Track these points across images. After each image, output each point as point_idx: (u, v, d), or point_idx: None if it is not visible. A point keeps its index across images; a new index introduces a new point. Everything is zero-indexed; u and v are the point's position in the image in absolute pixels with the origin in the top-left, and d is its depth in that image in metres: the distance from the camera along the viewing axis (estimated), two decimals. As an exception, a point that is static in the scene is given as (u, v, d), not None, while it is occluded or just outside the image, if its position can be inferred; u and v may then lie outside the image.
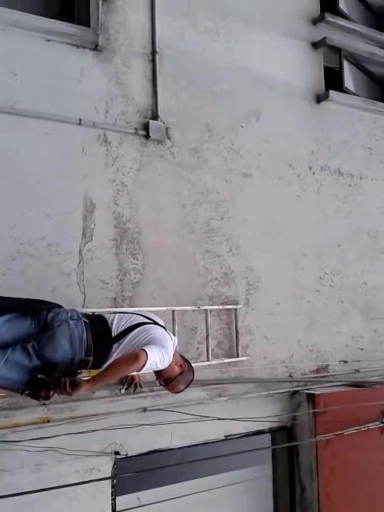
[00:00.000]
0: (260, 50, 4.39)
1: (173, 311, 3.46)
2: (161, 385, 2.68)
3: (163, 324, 2.71)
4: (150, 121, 3.71)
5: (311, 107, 4.67)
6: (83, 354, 2.33)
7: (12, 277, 3.09)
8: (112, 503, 3.40)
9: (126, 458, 3.43)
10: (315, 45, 4.74)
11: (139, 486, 3.58)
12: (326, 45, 4.76)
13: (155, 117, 3.76)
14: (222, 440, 3.83)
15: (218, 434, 3.81)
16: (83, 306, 3.28)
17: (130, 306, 3.48)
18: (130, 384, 3.34)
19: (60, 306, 2.48)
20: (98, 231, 3.46)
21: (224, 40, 4.22)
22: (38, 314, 2.38)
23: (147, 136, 3.69)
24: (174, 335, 3.28)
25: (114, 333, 2.45)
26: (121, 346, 2.43)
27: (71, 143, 3.41)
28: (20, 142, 3.23)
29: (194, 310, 3.71)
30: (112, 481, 3.37)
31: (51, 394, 2.23)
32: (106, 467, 3.35)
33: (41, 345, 2.24)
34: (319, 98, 4.67)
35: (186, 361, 2.72)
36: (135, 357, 2.30)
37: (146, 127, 3.69)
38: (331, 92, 4.66)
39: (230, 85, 4.19)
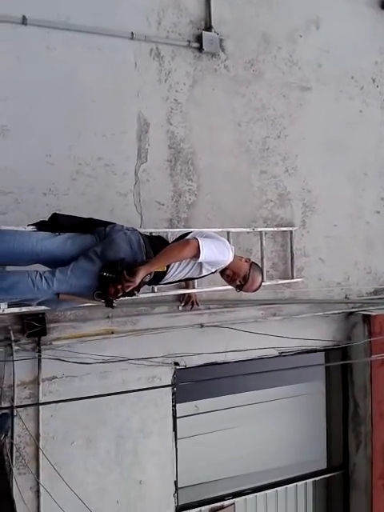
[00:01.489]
0: None
1: (227, 233, 3.45)
2: (239, 288, 2.67)
3: None
4: (204, 32, 3.53)
5: (376, 14, 4.27)
6: (144, 256, 2.41)
7: (73, 197, 3.18)
8: (173, 409, 3.65)
9: (185, 368, 3.63)
10: None
11: (197, 395, 3.81)
12: None
13: (209, 28, 3.57)
14: (276, 356, 3.94)
15: (272, 351, 3.92)
16: (140, 227, 3.34)
17: (185, 228, 3.52)
18: (187, 301, 3.49)
19: (116, 224, 2.58)
20: (152, 152, 3.44)
21: None
22: (97, 229, 2.49)
23: (200, 49, 3.53)
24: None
25: (170, 240, 2.56)
26: None
27: (124, 58, 3.33)
28: (74, 58, 3.19)
29: (248, 232, 3.70)
30: (172, 389, 3.60)
31: (119, 287, 2.30)
32: (166, 376, 3.58)
33: (102, 249, 2.35)
34: (386, 3, 4.25)
35: (248, 257, 2.75)
36: (186, 242, 2.41)
37: (199, 39, 3.52)
38: (400, -5, 4.22)
39: (288, -11, 3.87)
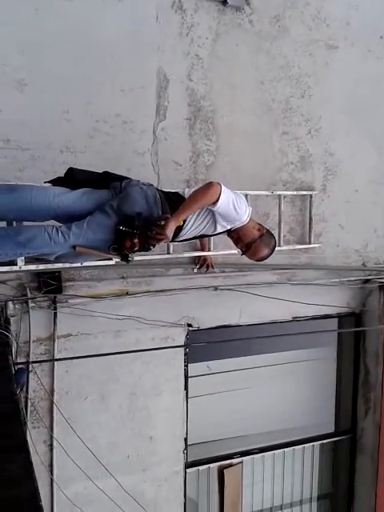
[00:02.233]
0: None
1: (246, 195, 3.36)
2: (243, 253, 2.61)
3: None
4: (229, -16, 3.36)
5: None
6: (160, 211, 2.37)
7: (90, 155, 3.12)
8: (185, 369, 3.70)
9: (198, 330, 3.66)
10: None
11: (209, 355, 3.86)
12: None
13: (234, -21, 3.40)
14: (290, 321, 3.95)
15: (286, 315, 3.93)
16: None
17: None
18: (203, 264, 3.47)
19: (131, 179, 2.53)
20: (171, 109, 3.34)
21: None
22: (113, 184, 2.46)
23: (225, 2, 3.35)
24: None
25: (186, 195, 2.48)
26: None
27: (145, 11, 3.18)
28: (93, 11, 3.05)
29: (267, 196, 3.63)
30: (185, 349, 3.64)
31: (135, 241, 2.29)
32: (179, 337, 3.61)
33: (118, 203, 2.32)
34: None
35: (265, 228, 2.65)
36: (209, 184, 2.35)
37: (223, -9, 3.36)
38: None
39: None
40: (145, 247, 2.35)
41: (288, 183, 3.78)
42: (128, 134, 3.25)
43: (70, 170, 2.48)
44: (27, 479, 1.53)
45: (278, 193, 3.61)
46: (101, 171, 2.58)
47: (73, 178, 2.43)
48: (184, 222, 2.44)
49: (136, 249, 2.31)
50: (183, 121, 3.41)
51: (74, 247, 2.32)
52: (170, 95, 3.32)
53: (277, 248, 3.51)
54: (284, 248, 3.65)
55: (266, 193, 3.57)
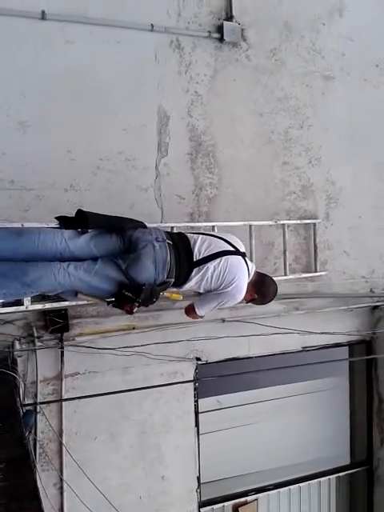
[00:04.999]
0: None
1: (249, 226, 3.40)
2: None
3: (244, 249, 2.64)
4: (224, 22, 3.46)
5: (401, 0, 4.13)
6: (165, 276, 2.37)
7: (94, 192, 3.16)
8: (195, 404, 3.64)
9: (207, 363, 3.60)
10: None
11: (219, 390, 3.79)
12: None
13: (230, 17, 3.49)
14: (300, 351, 3.89)
15: (296, 345, 3.88)
16: (161, 222, 3.31)
17: (206, 222, 3.47)
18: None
19: (144, 226, 2.48)
20: (173, 145, 3.40)
21: None
22: (123, 232, 2.41)
23: (221, 39, 3.46)
24: (251, 251, 3.28)
25: (196, 256, 2.44)
26: (201, 272, 2.44)
27: (144, 51, 3.28)
28: (93, 52, 3.16)
29: (270, 225, 3.64)
30: (194, 384, 3.59)
31: (135, 310, 2.38)
32: (188, 371, 3.56)
33: (127, 264, 2.30)
34: (412, -13, 4.10)
35: (263, 278, 2.68)
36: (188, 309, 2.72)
37: (219, 29, 3.45)
38: None
39: (310, -25, 3.77)
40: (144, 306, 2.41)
41: (291, 212, 3.79)
42: (131, 170, 3.29)
43: (81, 212, 2.45)
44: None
45: (282, 222, 3.62)
46: (106, 211, 2.51)
47: (83, 221, 2.38)
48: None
49: (134, 312, 2.38)
50: (185, 156, 3.45)
51: (75, 293, 2.35)
52: (171, 131, 3.38)
53: (283, 277, 3.56)
54: (291, 277, 3.63)
55: (270, 222, 3.58)
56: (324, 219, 3.88)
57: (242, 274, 2.50)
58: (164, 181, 3.39)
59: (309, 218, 3.82)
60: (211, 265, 2.44)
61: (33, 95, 3.02)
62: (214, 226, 3.18)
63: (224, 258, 2.47)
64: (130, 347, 3.29)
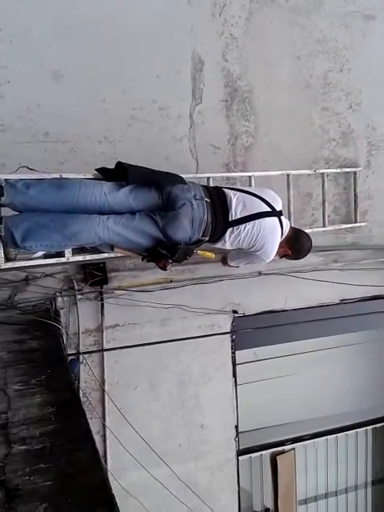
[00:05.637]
0: None
1: (287, 175, 3.28)
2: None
3: (281, 206, 2.59)
4: None
5: None
6: (201, 235, 2.38)
7: (129, 143, 3.09)
8: (232, 356, 3.66)
9: (244, 316, 3.60)
10: None
11: (256, 342, 3.79)
12: None
13: None
14: (337, 303, 3.84)
15: (333, 298, 3.83)
16: (196, 172, 3.25)
17: (242, 172, 3.39)
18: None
19: (183, 181, 2.43)
20: (207, 91, 3.28)
21: None
22: (163, 187, 2.37)
23: (257, -23, 3.27)
24: (290, 203, 3.19)
25: (232, 216, 2.41)
26: (235, 233, 2.43)
27: (177, -8, 3.13)
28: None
29: (309, 175, 3.52)
30: (231, 336, 3.59)
31: (168, 267, 2.41)
32: (225, 324, 3.56)
33: (164, 222, 2.30)
34: None
35: (298, 234, 2.67)
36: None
37: (255, -33, 3.26)
38: None
39: None
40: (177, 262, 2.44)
41: (330, 161, 3.66)
42: (165, 119, 3.21)
43: (120, 164, 2.39)
44: (95, 467, 1.51)
45: (321, 171, 3.49)
46: (151, 169, 2.43)
47: (123, 173, 2.34)
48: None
49: (168, 267, 2.42)
50: (220, 103, 3.34)
51: (112, 247, 2.38)
52: (205, 77, 3.26)
53: (322, 229, 3.47)
54: (329, 228, 3.53)
55: (309, 172, 3.46)
56: (365, 167, 3.74)
57: (273, 238, 2.52)
58: (198, 130, 3.30)
59: (349, 167, 3.68)
60: (245, 227, 2.43)
61: (65, 43, 2.92)
62: (250, 177, 3.06)
63: (258, 221, 2.45)
64: (168, 298, 3.31)
